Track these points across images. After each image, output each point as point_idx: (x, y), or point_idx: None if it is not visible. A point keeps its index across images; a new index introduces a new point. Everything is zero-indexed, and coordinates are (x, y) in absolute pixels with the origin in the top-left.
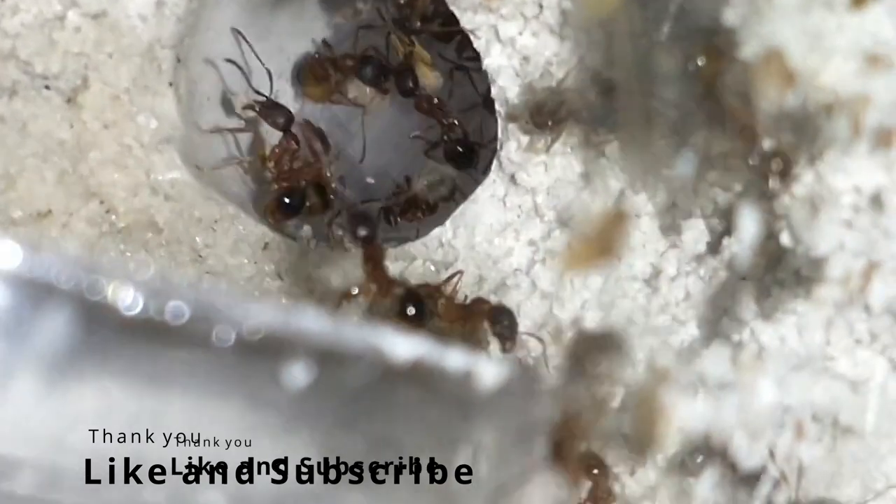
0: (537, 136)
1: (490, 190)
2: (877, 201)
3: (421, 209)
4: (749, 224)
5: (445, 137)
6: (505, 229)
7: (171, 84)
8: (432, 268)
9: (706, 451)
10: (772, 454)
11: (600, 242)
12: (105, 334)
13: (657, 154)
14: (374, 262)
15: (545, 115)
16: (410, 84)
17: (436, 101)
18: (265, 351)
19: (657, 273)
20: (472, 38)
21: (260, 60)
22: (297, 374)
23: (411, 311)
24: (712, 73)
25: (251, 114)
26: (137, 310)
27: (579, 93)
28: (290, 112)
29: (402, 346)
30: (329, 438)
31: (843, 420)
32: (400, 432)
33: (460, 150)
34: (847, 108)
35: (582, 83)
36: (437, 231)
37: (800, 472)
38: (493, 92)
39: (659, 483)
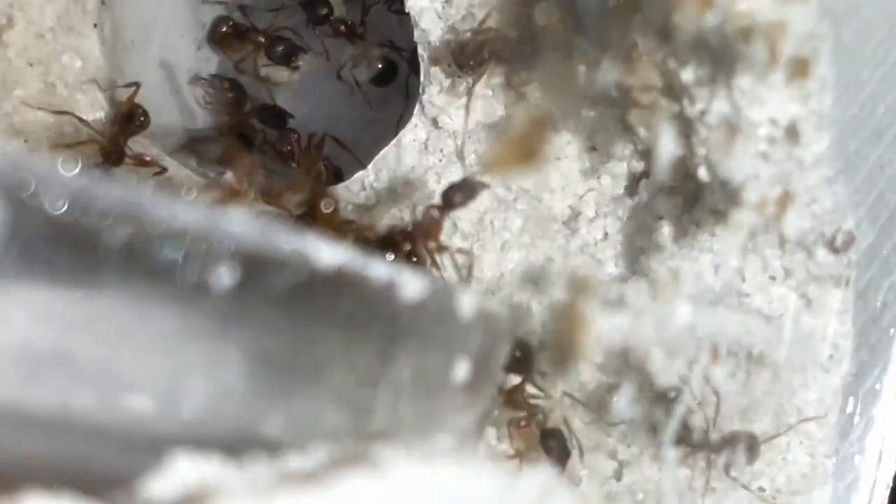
0: (459, 80)
1: (412, 134)
2: (792, 133)
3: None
4: (666, 162)
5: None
6: (427, 172)
7: (95, 25)
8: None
9: (624, 366)
10: (687, 381)
11: (523, 145)
12: (33, 235)
13: (578, 94)
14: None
15: (467, 55)
16: (324, 11)
17: (350, 22)
18: (191, 253)
19: (576, 215)
20: None
21: None
22: (224, 277)
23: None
24: (633, 6)
25: None
26: (64, 209)
27: (501, 33)
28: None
29: (327, 252)
30: (256, 343)
31: (756, 354)
32: (324, 338)
33: (379, 66)
34: (764, 35)
35: (504, 23)
36: (359, 174)
37: (717, 399)
38: (416, 35)
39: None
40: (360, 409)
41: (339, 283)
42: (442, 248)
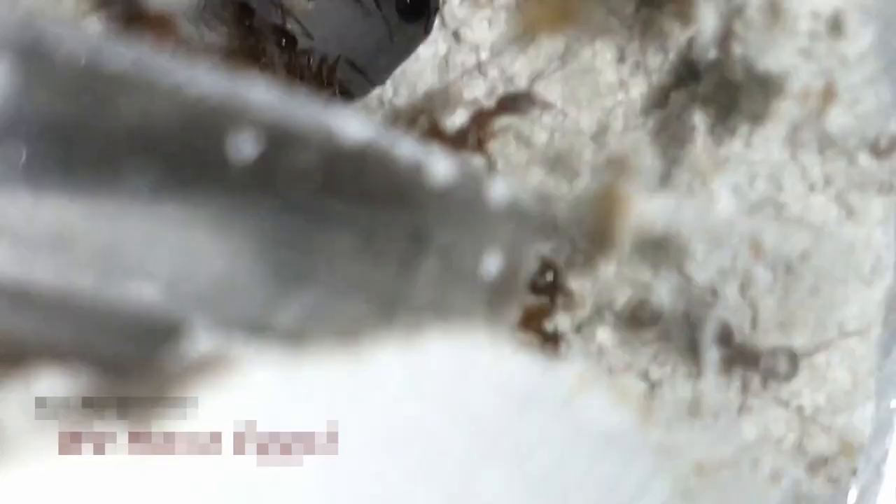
0: None
1: (432, 48)
2: (835, 26)
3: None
4: (702, 57)
5: None
6: (447, 88)
7: None
8: None
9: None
10: (724, 285)
11: (561, 3)
12: (40, 102)
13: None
14: None
15: None
16: None
17: None
18: (209, 122)
19: (604, 129)
20: None
21: None
22: (244, 148)
23: None
24: None
25: None
26: (74, 73)
27: None
28: None
29: (353, 125)
30: (273, 226)
31: (796, 266)
32: (347, 222)
33: (409, 1)
34: None
35: None
36: (376, 91)
37: (755, 309)
38: None
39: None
40: (383, 300)
41: (364, 161)
42: (484, 151)
